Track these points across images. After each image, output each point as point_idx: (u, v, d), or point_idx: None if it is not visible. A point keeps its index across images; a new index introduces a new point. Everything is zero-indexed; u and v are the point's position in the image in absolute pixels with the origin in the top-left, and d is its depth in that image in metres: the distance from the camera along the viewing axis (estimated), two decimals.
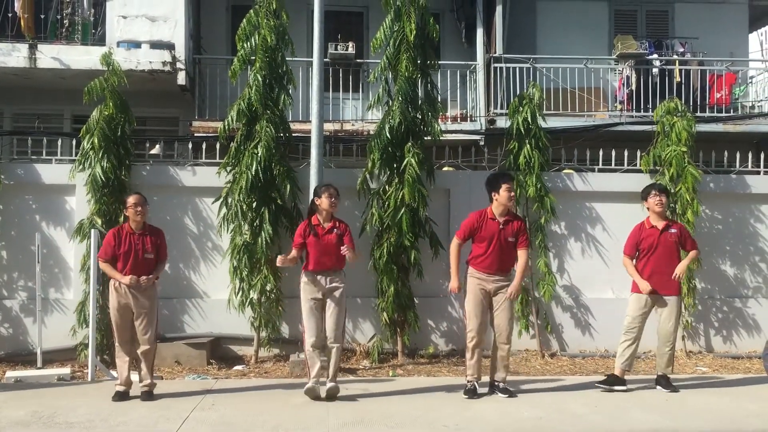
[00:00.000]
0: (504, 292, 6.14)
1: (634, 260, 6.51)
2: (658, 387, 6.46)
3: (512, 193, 6.19)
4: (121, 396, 5.99)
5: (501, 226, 6.14)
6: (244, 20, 8.04)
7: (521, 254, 6.22)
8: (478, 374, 6.24)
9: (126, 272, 6.02)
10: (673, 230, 6.48)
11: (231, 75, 8.12)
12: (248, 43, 7.97)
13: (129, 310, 6.03)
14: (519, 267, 6.23)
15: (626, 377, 6.46)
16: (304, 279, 6.08)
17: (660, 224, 6.47)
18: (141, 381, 6.08)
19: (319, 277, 6.03)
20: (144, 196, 6.26)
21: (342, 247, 5.98)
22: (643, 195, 6.63)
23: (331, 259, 6.04)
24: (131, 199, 6.16)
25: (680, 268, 6.37)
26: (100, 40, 10.74)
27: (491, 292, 6.17)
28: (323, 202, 6.07)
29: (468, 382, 6.22)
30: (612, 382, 6.40)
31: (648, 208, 6.56)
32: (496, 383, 6.25)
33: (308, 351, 6.00)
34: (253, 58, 7.96)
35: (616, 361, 6.48)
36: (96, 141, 7.81)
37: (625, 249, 6.60)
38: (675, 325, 6.46)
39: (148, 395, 6.04)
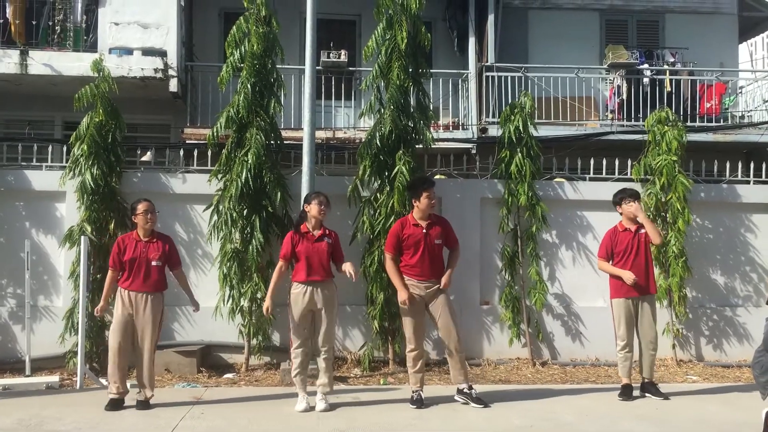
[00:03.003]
0: (438, 296, 6.13)
1: (610, 262, 6.64)
2: (647, 395, 6.49)
3: (433, 201, 6.23)
4: (115, 404, 5.94)
5: (425, 230, 6.16)
6: (234, 27, 8.01)
7: (453, 252, 6.34)
8: (421, 384, 6.22)
9: (129, 281, 5.99)
10: (643, 230, 6.62)
11: (219, 82, 8.09)
12: (238, 51, 7.96)
13: (131, 321, 5.99)
14: (451, 259, 6.31)
15: (613, 385, 6.61)
16: (294, 290, 6.04)
17: (632, 227, 6.63)
18: (139, 390, 6.06)
19: (309, 287, 5.99)
20: (152, 203, 6.23)
21: (348, 270, 6.00)
22: (616, 200, 6.80)
23: (321, 268, 6.02)
24: (141, 206, 6.11)
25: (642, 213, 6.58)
26: (92, 47, 10.72)
27: (426, 299, 6.16)
28: (312, 209, 6.06)
29: (413, 392, 6.20)
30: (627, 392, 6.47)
31: (621, 213, 6.74)
32: (464, 391, 6.19)
33: (294, 354, 5.94)
34: (242, 65, 7.95)
35: (620, 370, 6.58)
36: (86, 147, 7.77)
37: (599, 252, 6.79)
38: (655, 327, 6.60)
39: (144, 404, 6.01)
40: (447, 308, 6.15)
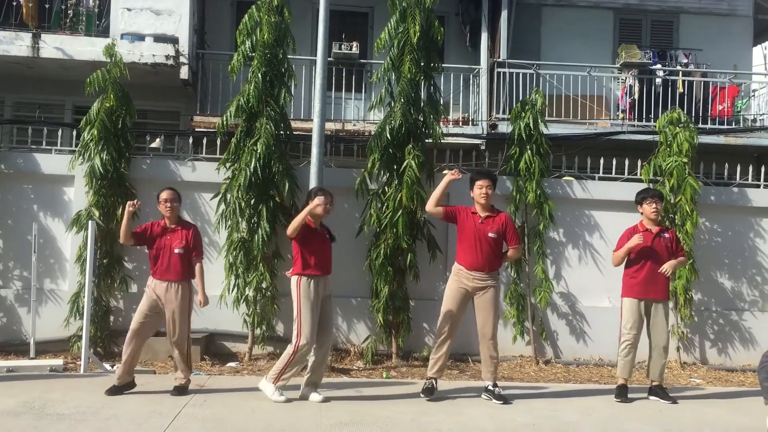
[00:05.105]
0: (485, 292, 6.10)
1: (625, 263, 6.52)
2: (652, 397, 6.45)
3: (483, 190, 6.18)
4: (114, 391, 5.95)
5: (480, 221, 6.15)
6: (246, 16, 7.99)
7: (511, 250, 6.30)
8: (439, 372, 6.21)
9: (155, 269, 6.04)
10: (665, 235, 6.53)
11: (230, 70, 8.08)
12: (249, 40, 7.94)
13: (155, 308, 6.02)
14: (504, 255, 6.34)
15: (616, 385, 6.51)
16: (308, 283, 5.91)
17: (654, 228, 6.51)
18: (176, 375, 6.13)
19: (320, 282, 5.99)
20: (177, 192, 6.24)
21: None
22: (638, 200, 6.67)
23: (329, 263, 6.10)
24: (163, 195, 6.13)
25: (669, 264, 6.36)
26: (104, 32, 10.70)
27: (471, 291, 6.13)
28: (318, 209, 6.01)
29: (427, 380, 6.19)
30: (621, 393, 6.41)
31: (642, 213, 6.62)
32: (487, 388, 6.22)
33: (301, 351, 5.84)
34: (253, 54, 7.92)
35: (619, 370, 6.51)
36: (96, 132, 7.78)
37: (616, 248, 6.63)
38: (668, 332, 6.50)
39: (181, 389, 6.04)
40: (493, 306, 6.11)
